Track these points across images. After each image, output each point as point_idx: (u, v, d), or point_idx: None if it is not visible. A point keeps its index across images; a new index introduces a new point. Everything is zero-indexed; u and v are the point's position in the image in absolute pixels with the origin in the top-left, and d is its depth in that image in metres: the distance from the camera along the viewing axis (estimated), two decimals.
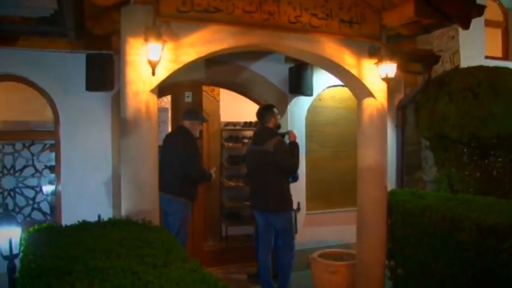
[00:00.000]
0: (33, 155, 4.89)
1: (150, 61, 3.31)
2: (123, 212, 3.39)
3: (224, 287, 2.01)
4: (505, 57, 7.40)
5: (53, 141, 4.87)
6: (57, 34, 4.44)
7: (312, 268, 4.90)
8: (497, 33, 7.55)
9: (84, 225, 3.11)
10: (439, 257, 3.75)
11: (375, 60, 4.15)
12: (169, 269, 2.21)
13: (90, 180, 4.83)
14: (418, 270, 4.05)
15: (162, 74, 3.44)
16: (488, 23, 7.09)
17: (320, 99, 6.22)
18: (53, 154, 4.90)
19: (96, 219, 3.31)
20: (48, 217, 4.94)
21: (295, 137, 4.93)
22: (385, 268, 4.44)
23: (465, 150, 5.44)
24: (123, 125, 3.47)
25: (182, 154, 4.66)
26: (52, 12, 4.23)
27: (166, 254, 2.46)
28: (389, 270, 4.50)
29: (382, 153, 4.37)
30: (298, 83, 5.80)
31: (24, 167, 4.89)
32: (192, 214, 5.20)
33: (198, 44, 3.58)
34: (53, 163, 4.90)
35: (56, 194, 4.87)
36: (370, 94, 4.29)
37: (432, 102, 5.61)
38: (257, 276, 5.22)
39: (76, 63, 4.69)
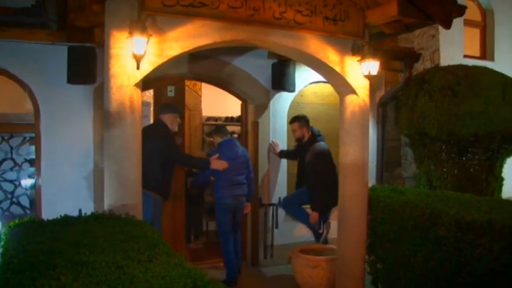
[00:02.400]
0: (12, 148, 4.82)
1: (134, 55, 3.29)
2: (106, 207, 3.37)
3: (210, 282, 2.02)
4: (483, 56, 7.55)
5: (32, 135, 4.80)
6: (39, 25, 4.37)
7: (293, 263, 4.95)
8: (476, 33, 7.70)
9: (66, 220, 3.08)
10: (418, 251, 3.83)
11: (358, 58, 4.20)
12: (154, 264, 2.21)
13: (71, 174, 4.78)
14: (397, 265, 4.13)
15: (147, 68, 3.42)
16: (467, 23, 7.22)
17: (302, 95, 6.26)
18: (33, 147, 4.82)
19: (77, 213, 3.28)
20: (28, 211, 4.88)
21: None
22: (365, 263, 4.51)
23: (444, 147, 5.55)
24: (106, 119, 3.44)
25: (159, 147, 4.55)
26: (33, 2, 4.16)
27: (151, 249, 2.46)
28: (369, 265, 4.57)
29: (363, 150, 4.43)
30: (281, 79, 5.83)
31: (3, 160, 4.81)
32: (172, 214, 5.20)
33: (182, 39, 3.57)
34: (33, 156, 4.83)
35: (35, 187, 4.80)
36: (352, 91, 4.34)
37: (412, 100, 5.71)
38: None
39: (58, 55, 4.62)
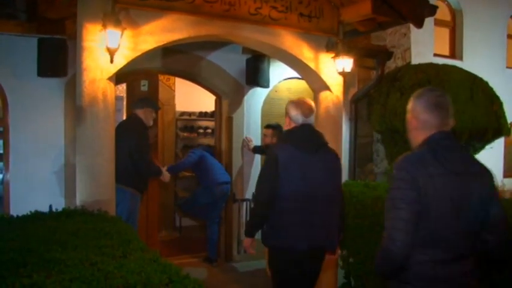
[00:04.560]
0: None
1: (108, 48, 3.24)
2: (78, 202, 3.32)
3: (185, 277, 2.02)
4: (452, 55, 7.75)
5: (0, 128, 4.66)
6: (6, 15, 4.24)
7: (267, 258, 4.97)
8: (446, 33, 7.89)
9: (36, 216, 3.02)
10: None
11: (332, 55, 4.25)
12: (129, 260, 2.19)
13: (41, 169, 4.66)
14: (369, 259, 4.20)
15: (121, 61, 3.38)
16: (438, 23, 7.39)
17: (276, 91, 6.28)
18: (1, 142, 4.69)
19: (47, 209, 3.21)
20: None
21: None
22: (338, 257, 4.58)
23: None
24: (78, 113, 3.38)
25: (132, 144, 4.49)
26: None
27: (125, 245, 2.43)
28: (341, 259, 4.64)
29: (337, 145, 4.49)
30: (255, 75, 5.83)
31: None
32: (145, 204, 5.14)
33: (157, 33, 3.54)
34: (1, 151, 4.70)
35: (3, 183, 4.67)
36: (326, 87, 4.39)
37: (384, 97, 5.80)
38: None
39: (27, 47, 4.49)
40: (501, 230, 2.11)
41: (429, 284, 2.03)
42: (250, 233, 3.18)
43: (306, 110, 3.07)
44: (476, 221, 2.06)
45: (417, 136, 2.16)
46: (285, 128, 3.20)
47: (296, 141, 2.97)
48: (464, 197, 2.02)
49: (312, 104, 3.16)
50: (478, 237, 2.10)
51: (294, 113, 3.07)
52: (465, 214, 2.02)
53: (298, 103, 3.10)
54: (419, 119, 2.14)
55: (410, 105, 2.19)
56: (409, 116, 2.20)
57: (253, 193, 5.39)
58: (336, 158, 3.17)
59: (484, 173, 2.14)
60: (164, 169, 5.01)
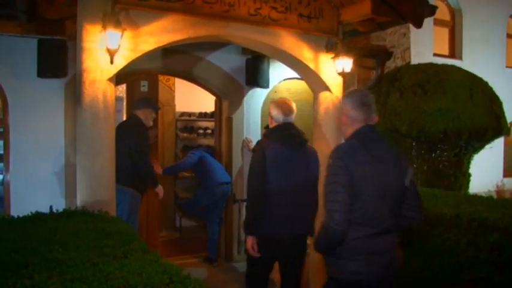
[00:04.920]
0: None
1: (108, 49, 3.25)
2: (79, 203, 3.32)
3: (186, 277, 2.02)
4: (452, 55, 7.76)
5: (0, 129, 4.67)
6: (6, 16, 4.24)
7: None
8: (445, 32, 7.90)
9: (37, 216, 3.02)
10: None
11: (332, 55, 4.26)
12: (129, 260, 2.20)
13: (42, 169, 4.66)
14: None
15: (121, 62, 3.38)
16: (437, 22, 7.41)
17: (276, 92, 6.29)
18: (1, 142, 4.69)
19: (47, 210, 3.21)
20: None
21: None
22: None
23: (414, 144, 5.68)
24: (79, 114, 3.39)
25: (132, 144, 4.48)
26: None
27: (126, 245, 2.44)
28: None
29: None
30: (255, 75, 5.84)
31: None
32: (145, 204, 5.14)
33: (157, 33, 3.54)
34: (1, 151, 4.70)
35: (4, 183, 4.67)
36: (326, 88, 4.40)
37: (384, 97, 5.81)
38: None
39: (27, 48, 4.49)
40: (418, 208, 2.51)
41: (361, 257, 2.36)
42: (251, 230, 3.26)
43: (286, 110, 3.32)
44: (398, 201, 2.42)
45: (347, 130, 2.52)
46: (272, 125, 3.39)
47: (281, 138, 3.17)
48: (388, 181, 2.38)
49: (292, 104, 3.40)
50: (401, 215, 2.46)
51: (275, 112, 3.33)
52: (389, 195, 2.37)
53: (279, 103, 3.36)
54: (349, 115, 2.50)
55: (341, 105, 2.59)
56: (340, 113, 2.59)
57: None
58: (315, 153, 3.45)
59: (402, 159, 2.51)
60: (159, 188, 4.84)
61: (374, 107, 2.53)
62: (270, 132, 3.37)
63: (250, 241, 3.26)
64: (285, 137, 3.20)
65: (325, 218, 2.33)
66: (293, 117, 3.35)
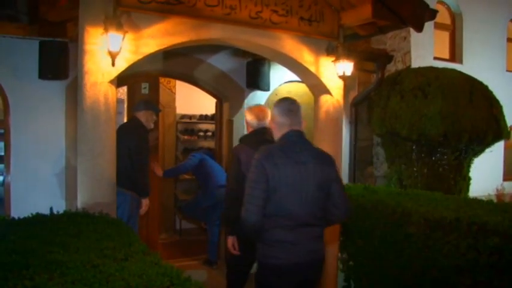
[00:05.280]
0: None
1: (110, 52, 3.26)
2: (80, 205, 3.33)
3: (187, 279, 2.03)
4: (452, 59, 7.76)
5: (1, 130, 4.68)
6: (8, 18, 4.26)
7: None
8: (445, 36, 7.91)
9: (38, 218, 3.03)
10: (389, 249, 3.92)
11: (333, 58, 4.26)
12: (130, 262, 2.20)
13: (42, 171, 4.67)
14: (368, 262, 4.21)
15: (122, 65, 3.39)
16: (437, 26, 7.41)
17: (276, 94, 6.29)
18: (2, 143, 4.70)
19: (47, 211, 3.21)
20: None
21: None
22: (338, 260, 4.59)
23: (414, 147, 5.68)
24: (80, 116, 3.39)
25: (131, 146, 4.46)
26: None
27: (126, 247, 2.44)
28: (341, 263, 4.65)
29: (337, 149, 4.51)
30: (256, 78, 5.85)
31: None
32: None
33: (158, 36, 3.55)
34: (2, 153, 4.71)
35: (4, 184, 4.68)
36: (327, 91, 4.40)
37: (384, 100, 5.82)
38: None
39: (28, 49, 4.50)
40: (343, 206, 2.75)
41: (281, 245, 2.66)
42: (232, 230, 3.55)
43: (260, 115, 3.59)
44: (319, 200, 2.70)
45: (277, 134, 2.82)
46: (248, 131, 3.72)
47: (254, 143, 3.31)
48: (305, 181, 2.65)
49: (267, 110, 3.65)
50: (327, 211, 2.75)
51: (250, 118, 3.62)
52: (306, 193, 2.65)
53: (253, 109, 3.65)
54: (276, 121, 2.81)
55: (272, 111, 2.88)
56: (271, 119, 2.90)
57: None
58: None
59: (326, 161, 2.76)
60: (146, 201, 4.69)
61: (300, 114, 2.83)
62: (244, 138, 3.68)
63: (231, 241, 3.52)
64: (258, 142, 3.32)
65: (242, 211, 2.64)
66: (267, 123, 3.50)
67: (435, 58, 7.24)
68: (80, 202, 3.36)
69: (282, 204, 2.63)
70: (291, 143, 2.72)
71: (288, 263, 2.68)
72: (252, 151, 3.21)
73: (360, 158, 6.62)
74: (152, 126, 4.83)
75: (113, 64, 3.31)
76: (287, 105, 2.84)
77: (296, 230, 2.67)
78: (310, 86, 4.63)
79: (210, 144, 7.72)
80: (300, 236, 2.68)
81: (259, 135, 3.51)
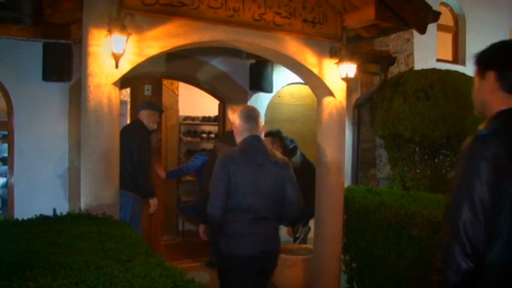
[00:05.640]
0: None
1: (113, 54, 3.26)
2: (83, 206, 3.33)
3: (190, 281, 2.03)
4: (455, 61, 7.75)
5: (5, 132, 4.70)
6: (12, 20, 4.28)
7: None
8: (448, 38, 7.90)
9: (41, 219, 3.03)
10: (392, 251, 3.91)
11: (336, 60, 4.26)
12: (133, 264, 2.20)
13: (46, 172, 4.70)
14: (371, 264, 4.21)
15: (126, 66, 3.39)
16: (440, 28, 7.40)
17: (280, 96, 6.31)
18: (6, 145, 4.72)
19: (51, 212, 3.22)
20: None
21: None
22: (341, 262, 4.58)
23: (417, 149, 5.68)
24: (83, 118, 3.39)
25: (133, 148, 4.46)
26: None
27: (130, 249, 2.44)
28: (344, 264, 4.65)
29: (340, 151, 4.50)
30: (259, 80, 5.86)
31: None
32: (148, 208, 5.15)
33: (162, 38, 3.56)
34: (5, 154, 4.73)
35: (8, 186, 4.70)
36: (330, 93, 4.40)
37: (387, 102, 5.82)
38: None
39: (32, 51, 4.53)
40: (296, 205, 3.09)
41: (242, 238, 2.94)
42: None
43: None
44: (273, 197, 3.01)
45: (238, 138, 3.13)
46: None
47: (233, 142, 3.41)
48: (261, 181, 2.96)
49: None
50: (282, 208, 3.08)
51: (232, 117, 3.70)
52: (262, 191, 2.96)
53: (235, 109, 3.70)
54: (238, 126, 3.10)
55: (234, 118, 3.15)
56: (233, 125, 3.17)
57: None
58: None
59: (282, 164, 3.08)
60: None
61: (259, 121, 3.15)
62: (224, 137, 3.96)
63: (203, 228, 4.13)
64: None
65: (208, 205, 2.92)
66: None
67: (438, 60, 7.23)
68: (83, 203, 3.36)
69: (241, 200, 2.92)
70: (251, 147, 3.02)
71: (247, 253, 2.95)
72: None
73: (363, 159, 6.62)
74: (155, 126, 4.81)
75: (117, 66, 3.31)
76: (249, 112, 3.14)
77: (254, 224, 2.96)
78: (313, 88, 4.63)
79: (212, 146, 7.72)
80: (258, 229, 2.97)
81: None
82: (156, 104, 4.98)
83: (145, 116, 4.70)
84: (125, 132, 4.57)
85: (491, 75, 1.77)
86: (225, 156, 2.99)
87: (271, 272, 3.26)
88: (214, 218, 2.92)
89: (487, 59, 1.81)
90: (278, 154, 3.18)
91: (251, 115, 3.12)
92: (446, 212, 1.71)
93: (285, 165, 3.10)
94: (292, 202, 3.09)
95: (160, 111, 5.03)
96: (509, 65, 1.73)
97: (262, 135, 3.56)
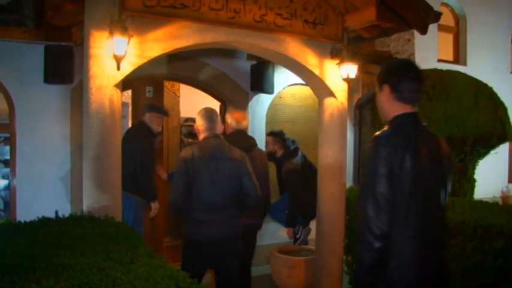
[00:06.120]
0: None
1: (115, 55, 3.26)
2: (85, 208, 3.34)
3: (193, 283, 2.03)
4: (456, 61, 7.76)
5: (7, 134, 4.70)
6: (14, 23, 4.29)
7: (271, 263, 4.98)
8: (449, 38, 7.90)
9: (44, 222, 3.03)
10: None
11: (337, 61, 4.26)
12: (136, 265, 2.20)
13: (48, 174, 4.70)
14: None
15: (127, 68, 3.40)
16: (441, 28, 7.41)
17: (281, 97, 6.31)
18: (8, 147, 4.72)
19: (53, 215, 3.22)
20: (1, 213, 4.78)
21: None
22: (343, 263, 4.58)
23: None
24: (85, 120, 3.40)
25: (137, 150, 4.48)
26: (10, 0, 4.09)
27: (132, 250, 2.45)
28: (346, 265, 4.65)
29: (341, 151, 4.50)
30: (260, 81, 5.86)
31: None
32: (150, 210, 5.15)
33: (163, 40, 3.56)
34: (7, 156, 4.73)
35: (10, 188, 4.70)
36: (331, 94, 4.40)
37: None
38: None
39: (34, 54, 4.54)
40: (253, 194, 3.37)
41: (202, 225, 3.26)
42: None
43: (239, 118, 4.11)
44: (230, 188, 3.30)
45: (200, 136, 3.47)
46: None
47: (233, 142, 3.64)
48: (219, 173, 3.27)
49: (245, 114, 4.28)
50: (241, 198, 3.36)
51: (229, 120, 4.11)
52: (219, 183, 3.26)
53: (233, 113, 4.14)
54: (200, 125, 3.43)
55: (196, 118, 3.49)
56: (196, 124, 3.50)
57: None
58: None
59: (238, 158, 3.37)
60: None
61: (218, 120, 3.46)
62: (226, 137, 4.00)
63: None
64: (237, 141, 3.80)
65: (170, 196, 3.25)
66: (245, 125, 4.16)
67: (439, 60, 7.24)
68: (85, 205, 3.36)
69: (201, 192, 3.23)
70: (210, 144, 3.34)
71: (208, 239, 3.26)
72: None
73: (364, 160, 6.61)
74: (159, 129, 4.84)
75: (118, 68, 3.32)
76: (208, 112, 3.46)
77: (214, 212, 3.26)
78: (314, 89, 4.63)
79: None
80: (217, 216, 3.27)
81: (240, 136, 4.03)
82: (161, 107, 5.00)
83: (148, 118, 4.71)
84: (129, 134, 4.59)
85: (387, 88, 2.19)
86: (185, 152, 3.31)
87: (231, 254, 3.43)
88: (176, 208, 3.27)
89: (384, 75, 2.24)
90: (235, 150, 3.44)
91: (211, 116, 3.44)
92: (358, 204, 2.09)
93: (241, 159, 3.40)
94: (249, 193, 3.37)
95: (165, 114, 5.04)
96: (400, 80, 2.16)
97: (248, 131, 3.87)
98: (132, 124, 5.46)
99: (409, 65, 2.23)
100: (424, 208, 2.04)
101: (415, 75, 2.18)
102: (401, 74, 2.18)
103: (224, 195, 3.30)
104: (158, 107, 4.88)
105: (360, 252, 2.05)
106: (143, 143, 4.56)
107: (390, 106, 2.19)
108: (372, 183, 2.01)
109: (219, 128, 3.47)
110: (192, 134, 8.06)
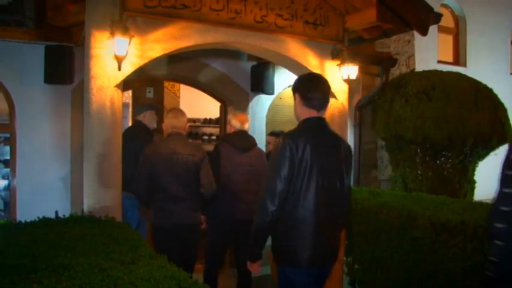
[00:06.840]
0: None
1: (116, 56, 3.27)
2: (86, 208, 3.34)
3: (194, 283, 2.03)
4: (456, 62, 7.75)
5: (7, 135, 4.70)
6: (14, 23, 4.29)
7: (272, 263, 4.97)
8: (449, 39, 7.91)
9: (44, 222, 3.03)
10: (395, 252, 3.90)
11: (338, 62, 4.27)
12: (137, 266, 2.20)
13: (48, 175, 4.69)
14: (374, 266, 4.20)
15: (128, 69, 3.41)
16: (441, 29, 7.41)
17: (281, 98, 6.31)
18: (8, 148, 4.72)
19: (53, 215, 3.22)
20: (1, 213, 4.77)
21: None
22: (343, 264, 4.57)
23: (419, 150, 5.66)
24: (86, 120, 3.40)
25: (137, 150, 4.44)
26: (10, 0, 4.09)
27: (133, 251, 2.44)
28: (346, 266, 4.64)
29: None
30: (260, 82, 5.86)
31: None
32: None
33: (164, 40, 3.57)
34: (7, 157, 4.73)
35: (10, 189, 4.70)
36: (331, 95, 4.40)
37: (389, 103, 5.80)
38: None
39: (34, 54, 4.53)
40: (208, 186, 3.65)
41: (163, 213, 3.56)
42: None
43: (243, 120, 4.23)
44: (187, 180, 3.59)
45: (165, 133, 3.78)
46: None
47: (234, 141, 4.00)
48: (178, 166, 3.56)
49: (247, 117, 4.46)
50: (198, 190, 3.65)
51: (234, 121, 4.24)
52: (176, 175, 3.55)
53: (238, 115, 4.29)
54: (166, 123, 3.76)
55: (164, 117, 3.84)
56: (163, 123, 3.80)
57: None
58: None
59: (195, 153, 3.66)
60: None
61: (183, 119, 3.84)
62: (227, 136, 4.33)
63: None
64: (238, 140, 4.09)
65: (134, 188, 3.56)
66: (247, 126, 4.28)
67: (439, 61, 7.23)
68: (86, 206, 3.36)
69: (161, 182, 3.53)
70: (171, 139, 3.64)
71: (169, 225, 3.56)
72: (232, 147, 4.07)
73: (364, 161, 6.61)
74: (155, 125, 4.82)
75: (119, 68, 3.33)
76: (174, 112, 3.83)
77: (173, 202, 3.56)
78: None
79: (214, 146, 7.70)
80: (175, 206, 3.56)
81: (242, 136, 4.18)
82: (150, 104, 4.98)
83: (144, 117, 4.70)
84: (128, 135, 4.57)
85: (298, 96, 2.64)
86: (149, 148, 3.63)
87: (192, 239, 3.75)
88: (139, 196, 3.65)
89: (296, 85, 2.68)
90: (194, 145, 3.88)
91: (177, 115, 3.81)
92: (264, 182, 2.55)
93: (199, 154, 3.70)
94: (204, 185, 3.65)
95: (158, 109, 5.02)
96: (308, 90, 2.61)
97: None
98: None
99: (316, 78, 2.71)
100: (318, 189, 2.54)
101: (320, 87, 2.65)
102: (309, 85, 2.64)
103: (181, 186, 3.59)
104: (149, 104, 4.87)
105: (258, 215, 2.53)
106: (143, 142, 4.56)
107: (301, 110, 2.64)
108: (278, 168, 2.48)
109: (183, 127, 3.81)
110: (193, 135, 8.08)
